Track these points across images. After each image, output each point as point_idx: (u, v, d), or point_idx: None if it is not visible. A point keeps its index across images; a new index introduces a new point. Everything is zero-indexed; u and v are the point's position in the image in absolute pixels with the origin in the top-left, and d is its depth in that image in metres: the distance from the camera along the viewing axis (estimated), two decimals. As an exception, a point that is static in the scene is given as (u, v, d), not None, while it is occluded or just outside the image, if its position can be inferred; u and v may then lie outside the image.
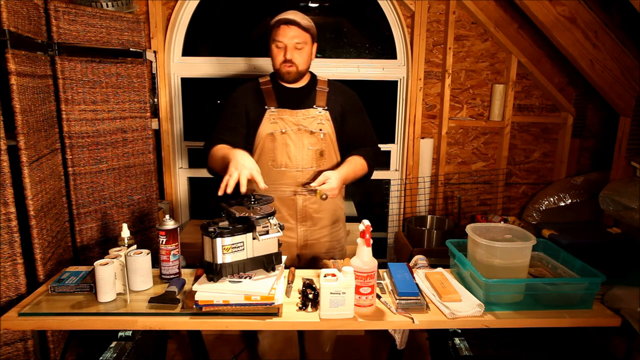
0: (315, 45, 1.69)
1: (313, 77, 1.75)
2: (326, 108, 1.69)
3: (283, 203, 1.68)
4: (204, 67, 2.72)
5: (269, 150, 1.64)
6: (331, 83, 1.75)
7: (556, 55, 2.57)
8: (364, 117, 1.79)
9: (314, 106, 1.68)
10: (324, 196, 1.53)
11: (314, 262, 1.75)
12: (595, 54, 2.33)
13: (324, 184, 1.54)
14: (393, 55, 2.77)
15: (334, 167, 1.65)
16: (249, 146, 1.66)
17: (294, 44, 1.60)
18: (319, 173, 1.60)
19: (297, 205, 1.68)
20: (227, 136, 1.63)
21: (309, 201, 1.68)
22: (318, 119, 1.67)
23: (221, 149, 1.53)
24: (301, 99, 1.69)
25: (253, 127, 1.65)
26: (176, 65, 2.71)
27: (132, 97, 2.13)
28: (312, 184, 1.57)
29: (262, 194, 1.42)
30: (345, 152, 1.73)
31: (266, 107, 1.65)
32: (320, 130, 1.66)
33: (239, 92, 1.72)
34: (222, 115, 1.70)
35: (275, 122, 1.64)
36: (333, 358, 2.07)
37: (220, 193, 1.30)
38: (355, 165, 1.67)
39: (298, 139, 1.64)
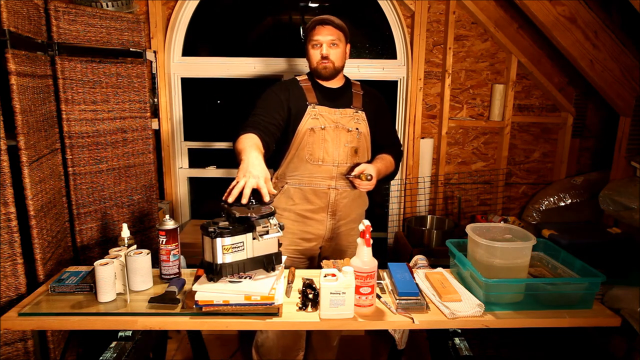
0: (348, 45, 1.77)
1: (347, 79, 1.84)
2: (362, 109, 1.78)
3: (316, 195, 1.75)
4: (204, 67, 2.72)
5: (308, 145, 1.71)
6: (364, 86, 1.85)
7: (556, 55, 2.57)
8: (390, 121, 1.92)
9: (351, 106, 1.76)
10: (369, 177, 1.62)
11: (335, 254, 1.84)
12: (595, 54, 2.33)
13: (362, 172, 1.65)
14: (393, 55, 2.77)
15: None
16: (286, 141, 1.72)
17: (329, 41, 1.68)
18: (355, 165, 1.71)
19: (329, 198, 1.75)
20: (265, 118, 1.64)
21: (340, 195, 1.76)
22: (355, 118, 1.75)
23: (243, 141, 1.48)
24: (339, 98, 1.77)
25: (294, 121, 1.71)
26: (176, 65, 2.71)
27: (132, 97, 2.13)
28: (352, 174, 1.67)
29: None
30: (374, 153, 1.83)
31: (307, 103, 1.72)
32: (357, 129, 1.74)
33: (279, 86, 1.77)
34: (258, 104, 1.71)
35: (316, 118, 1.71)
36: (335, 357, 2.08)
37: (224, 198, 1.30)
38: (386, 162, 1.79)
39: (336, 136, 1.72)
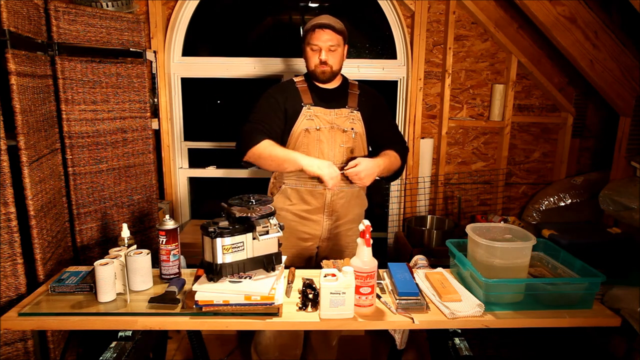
0: (346, 47, 1.76)
1: (345, 79, 1.83)
2: (358, 109, 1.77)
3: (313, 196, 1.75)
4: (204, 67, 2.72)
5: (303, 146, 1.71)
6: (361, 86, 1.84)
7: (556, 55, 2.57)
8: (391, 119, 1.91)
9: (347, 106, 1.76)
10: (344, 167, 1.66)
11: (333, 254, 1.83)
12: (595, 54, 2.33)
13: (355, 167, 1.64)
14: (393, 55, 2.77)
15: None
16: (282, 142, 1.73)
17: (328, 46, 1.68)
18: (351, 159, 1.69)
19: (325, 198, 1.75)
20: (267, 127, 1.69)
21: (337, 196, 1.76)
22: (350, 118, 1.74)
23: (276, 148, 1.62)
24: (334, 99, 1.76)
25: (290, 122, 1.71)
26: (176, 65, 2.70)
27: (132, 97, 2.13)
28: (345, 168, 1.66)
29: (262, 195, 1.42)
30: (376, 152, 1.81)
31: (303, 104, 1.72)
32: (352, 129, 1.74)
33: (275, 89, 1.78)
34: (258, 108, 1.74)
35: (311, 119, 1.71)
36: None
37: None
38: (391, 157, 1.76)
39: (331, 137, 1.71)
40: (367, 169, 1.63)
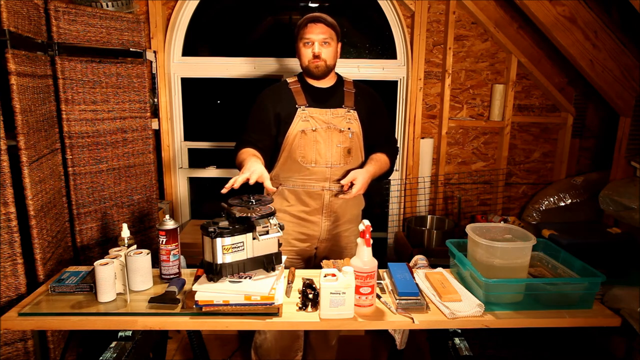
0: (340, 44, 1.75)
1: (339, 77, 1.82)
2: (354, 108, 1.75)
3: (311, 197, 1.74)
4: (204, 67, 2.72)
5: (300, 147, 1.69)
6: (356, 84, 1.82)
7: (556, 55, 2.57)
8: (386, 119, 1.89)
9: (343, 106, 1.74)
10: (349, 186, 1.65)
11: (331, 255, 1.83)
12: (595, 54, 2.33)
13: (352, 183, 1.64)
14: (393, 55, 2.77)
15: (360, 166, 1.75)
16: (277, 144, 1.73)
17: (321, 39, 1.67)
18: (347, 172, 1.68)
19: (323, 199, 1.74)
20: (255, 136, 1.70)
21: (335, 197, 1.75)
22: (347, 118, 1.73)
23: (243, 154, 1.62)
24: (330, 98, 1.75)
25: (284, 125, 1.70)
26: (176, 65, 2.71)
27: (132, 97, 2.13)
28: (342, 181, 1.66)
29: (262, 195, 1.43)
30: (367, 151, 1.80)
31: (297, 105, 1.70)
32: (349, 129, 1.72)
33: (267, 94, 1.77)
34: (250, 116, 1.75)
35: (306, 120, 1.69)
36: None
37: (224, 191, 1.35)
38: (381, 163, 1.77)
39: (328, 137, 1.70)
40: (364, 183, 1.65)
